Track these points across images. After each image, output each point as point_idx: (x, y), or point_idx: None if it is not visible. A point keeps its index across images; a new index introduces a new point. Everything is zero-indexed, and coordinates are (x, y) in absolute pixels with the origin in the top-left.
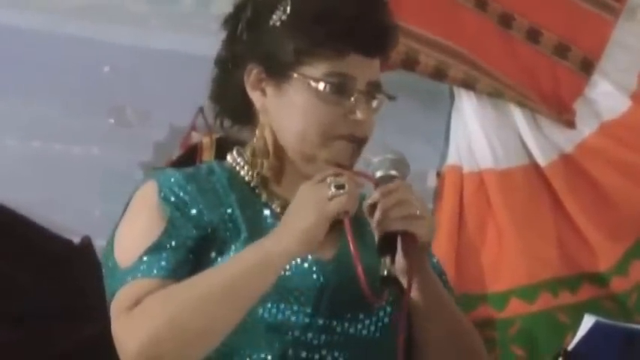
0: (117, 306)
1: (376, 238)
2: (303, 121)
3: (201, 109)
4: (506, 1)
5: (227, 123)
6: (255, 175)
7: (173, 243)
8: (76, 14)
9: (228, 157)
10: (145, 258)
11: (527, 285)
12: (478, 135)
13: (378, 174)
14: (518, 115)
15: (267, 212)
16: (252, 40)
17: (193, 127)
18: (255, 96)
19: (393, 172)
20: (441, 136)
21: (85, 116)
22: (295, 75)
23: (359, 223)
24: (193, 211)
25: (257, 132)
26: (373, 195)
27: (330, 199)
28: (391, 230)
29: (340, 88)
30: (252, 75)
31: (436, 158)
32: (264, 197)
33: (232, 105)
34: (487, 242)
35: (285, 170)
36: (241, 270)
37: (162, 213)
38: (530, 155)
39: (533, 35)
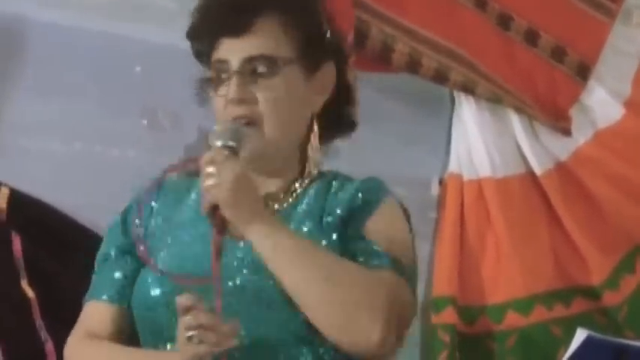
0: (78, 322)
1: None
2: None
3: None
4: (505, 1)
5: None
6: None
7: (120, 258)
8: (106, 10)
9: None
10: (96, 274)
11: (523, 297)
12: (477, 142)
13: (218, 143)
14: (515, 122)
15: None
16: None
17: None
18: None
19: (231, 143)
20: (444, 143)
21: (121, 117)
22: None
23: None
24: (141, 221)
25: None
26: None
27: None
28: (206, 206)
29: (218, 74)
30: None
31: (439, 165)
32: None
33: None
34: (486, 253)
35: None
36: None
37: (118, 222)
38: (526, 163)
39: (531, 37)
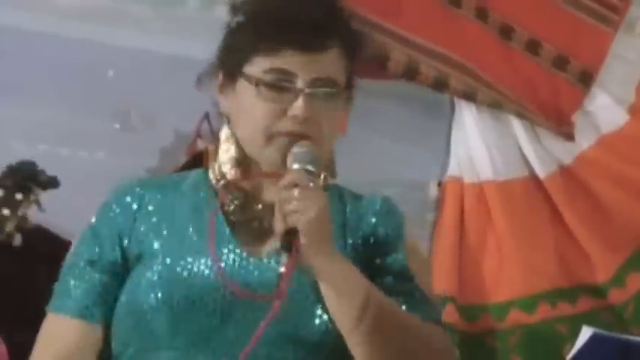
0: (39, 334)
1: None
2: (249, 121)
3: (206, 115)
4: (507, 13)
5: None
6: (222, 178)
7: (93, 264)
8: (80, 17)
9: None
10: (61, 284)
11: (526, 296)
12: (478, 146)
13: (295, 166)
14: (517, 127)
15: (219, 215)
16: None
17: (198, 134)
18: (220, 99)
19: (310, 167)
20: (443, 147)
21: (90, 120)
22: (241, 74)
23: None
24: (132, 222)
25: (223, 135)
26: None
27: None
28: (279, 231)
29: (278, 84)
30: (218, 79)
31: (437, 168)
32: (219, 198)
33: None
34: (487, 253)
35: (248, 167)
36: None
37: (96, 229)
38: (529, 167)
39: (533, 47)
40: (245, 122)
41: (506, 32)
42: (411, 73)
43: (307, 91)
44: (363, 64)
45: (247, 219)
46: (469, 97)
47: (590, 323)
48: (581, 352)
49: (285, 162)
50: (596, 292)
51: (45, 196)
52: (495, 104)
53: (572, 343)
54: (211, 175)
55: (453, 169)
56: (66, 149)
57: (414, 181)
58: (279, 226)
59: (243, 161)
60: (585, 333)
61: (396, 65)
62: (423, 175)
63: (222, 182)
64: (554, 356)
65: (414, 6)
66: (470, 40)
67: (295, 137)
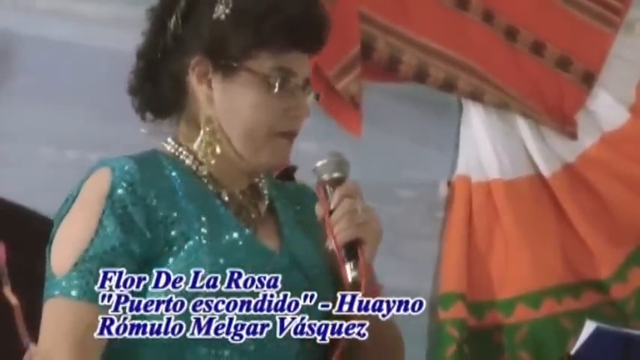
0: (46, 325)
1: (332, 243)
2: (252, 116)
3: None
4: (512, 15)
5: (149, 116)
6: (200, 165)
7: (112, 251)
8: (109, 26)
9: (167, 147)
10: (75, 271)
11: (532, 292)
12: (486, 146)
13: (325, 177)
14: (523, 127)
15: (218, 202)
16: (191, 33)
17: None
18: (201, 89)
19: (336, 175)
20: (451, 147)
21: (119, 126)
22: (243, 69)
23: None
24: (147, 209)
25: (202, 123)
26: (333, 200)
27: None
28: (347, 239)
29: (285, 83)
30: (198, 67)
31: (447, 168)
32: (211, 187)
33: (161, 98)
34: (495, 250)
35: (229, 162)
36: None
37: (108, 213)
38: (534, 166)
39: (538, 48)
40: (245, 118)
41: (511, 34)
42: (421, 75)
43: (306, 88)
44: (375, 67)
45: (237, 211)
46: (476, 97)
47: (593, 318)
48: (584, 345)
49: (276, 162)
50: (600, 287)
51: None
52: (502, 104)
53: (576, 337)
54: (188, 161)
55: (461, 169)
56: (94, 155)
57: (425, 181)
58: (346, 236)
59: (221, 155)
60: (589, 327)
61: (408, 68)
62: (433, 175)
63: (204, 171)
64: (559, 350)
65: (423, 9)
66: (476, 42)
67: (291, 138)
